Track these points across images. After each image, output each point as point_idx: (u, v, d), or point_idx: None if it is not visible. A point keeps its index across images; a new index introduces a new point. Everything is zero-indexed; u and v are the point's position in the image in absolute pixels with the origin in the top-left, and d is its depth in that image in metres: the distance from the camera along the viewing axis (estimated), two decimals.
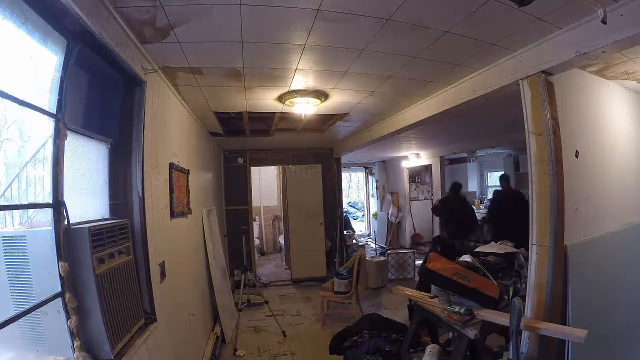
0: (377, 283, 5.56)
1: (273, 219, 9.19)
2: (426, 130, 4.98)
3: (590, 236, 2.13)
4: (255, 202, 7.69)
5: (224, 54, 2.10)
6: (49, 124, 1.33)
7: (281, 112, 3.56)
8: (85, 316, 1.38)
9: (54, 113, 1.33)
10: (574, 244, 1.97)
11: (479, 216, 5.73)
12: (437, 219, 7.08)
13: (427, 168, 8.22)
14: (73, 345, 1.34)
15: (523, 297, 2.12)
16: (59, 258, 1.31)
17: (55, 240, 1.31)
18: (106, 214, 1.78)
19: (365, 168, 11.13)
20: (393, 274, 5.97)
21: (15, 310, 1.19)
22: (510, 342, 1.89)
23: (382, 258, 5.82)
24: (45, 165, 1.35)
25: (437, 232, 7.16)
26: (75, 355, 1.34)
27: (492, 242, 3.97)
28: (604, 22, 1.53)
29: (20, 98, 1.18)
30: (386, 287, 5.54)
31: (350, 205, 13.77)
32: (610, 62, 2.18)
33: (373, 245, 8.52)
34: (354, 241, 7.45)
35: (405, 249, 7.21)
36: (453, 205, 5.38)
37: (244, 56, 2.12)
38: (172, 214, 2.49)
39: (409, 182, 8.78)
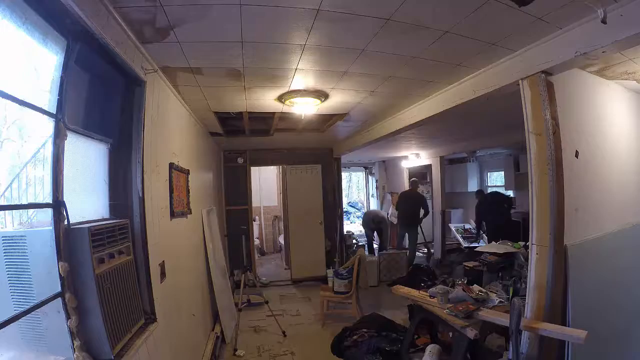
0: (371, 282, 5.65)
1: (273, 219, 9.18)
2: (426, 130, 4.98)
3: (591, 236, 2.13)
4: (255, 202, 7.68)
5: (224, 54, 2.10)
6: (49, 124, 1.33)
7: (281, 112, 3.56)
8: (85, 316, 1.38)
9: (54, 113, 1.33)
10: (574, 244, 1.97)
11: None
12: (438, 220, 7.11)
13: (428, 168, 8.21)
14: (73, 345, 1.34)
15: (523, 297, 2.12)
16: (59, 258, 1.31)
17: (55, 240, 1.31)
18: (106, 214, 1.78)
19: (365, 168, 11.12)
20: (385, 275, 5.93)
21: (15, 310, 1.19)
22: (510, 342, 1.89)
23: (373, 258, 5.88)
24: (45, 165, 1.35)
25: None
26: (75, 355, 1.34)
27: (493, 242, 3.98)
28: (604, 22, 1.54)
29: (20, 98, 1.17)
30: (378, 286, 5.64)
31: (350, 205, 13.74)
32: (610, 62, 2.18)
33: (375, 245, 8.50)
34: (354, 241, 7.45)
35: (405, 249, 7.20)
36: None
37: (244, 56, 2.12)
38: (172, 214, 2.49)
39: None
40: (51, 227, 1.32)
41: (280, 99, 3.05)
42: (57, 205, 1.33)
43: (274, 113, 3.63)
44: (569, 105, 2.09)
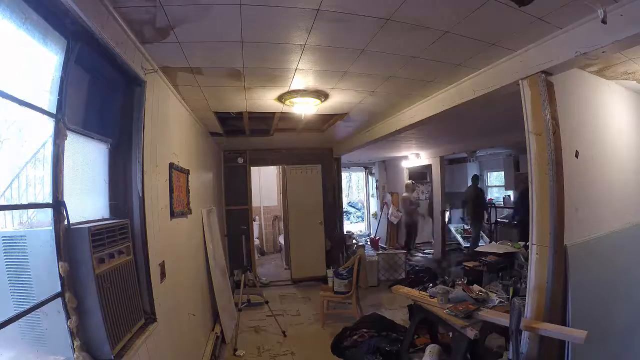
0: (371, 282, 5.67)
1: (273, 219, 9.18)
2: (426, 130, 4.98)
3: (591, 236, 2.13)
4: (255, 202, 7.69)
5: (224, 54, 2.10)
6: (49, 124, 1.33)
7: (281, 112, 3.56)
8: (85, 316, 1.38)
9: (54, 113, 1.33)
10: (574, 244, 1.97)
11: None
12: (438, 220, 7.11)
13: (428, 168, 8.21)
14: (73, 345, 1.34)
15: (523, 297, 2.12)
16: (59, 258, 1.31)
17: (55, 240, 1.31)
18: (106, 214, 1.78)
19: (365, 168, 11.12)
20: (383, 275, 5.94)
21: (15, 310, 1.19)
22: (510, 342, 1.89)
23: (373, 258, 5.87)
24: (45, 165, 1.35)
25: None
26: (75, 355, 1.34)
27: (492, 242, 3.99)
28: (604, 22, 1.54)
29: (20, 98, 1.17)
30: (378, 286, 5.65)
31: (350, 205, 13.76)
32: (610, 62, 2.18)
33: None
34: (354, 241, 7.45)
35: (403, 249, 7.21)
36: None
37: (244, 56, 2.12)
38: (172, 214, 2.49)
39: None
40: (51, 227, 1.32)
41: (280, 99, 3.05)
42: (57, 205, 1.33)
43: (274, 113, 3.63)
44: (569, 105, 2.09)
